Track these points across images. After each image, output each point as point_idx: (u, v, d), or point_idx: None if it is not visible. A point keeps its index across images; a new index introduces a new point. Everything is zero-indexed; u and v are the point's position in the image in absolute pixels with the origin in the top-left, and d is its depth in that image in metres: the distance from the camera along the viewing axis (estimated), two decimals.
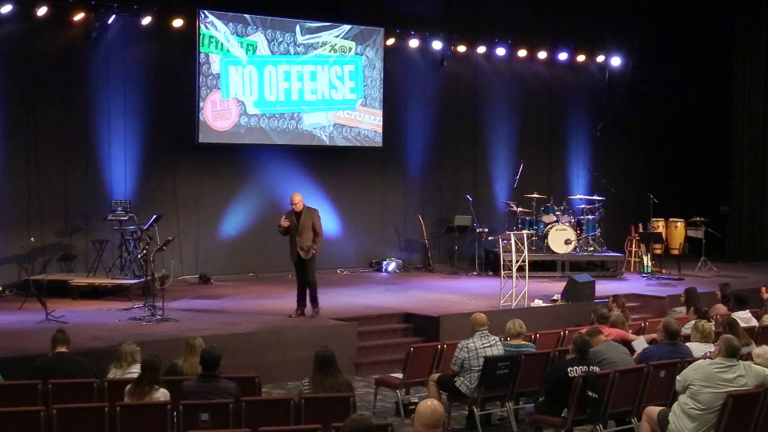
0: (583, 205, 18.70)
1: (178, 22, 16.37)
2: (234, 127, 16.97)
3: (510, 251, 14.33)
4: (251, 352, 11.66)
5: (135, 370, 8.31)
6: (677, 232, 19.25)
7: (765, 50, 20.97)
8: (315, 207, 13.56)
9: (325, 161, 18.42)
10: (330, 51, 17.87)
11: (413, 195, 19.49)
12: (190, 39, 16.40)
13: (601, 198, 18.79)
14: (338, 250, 18.50)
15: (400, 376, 10.47)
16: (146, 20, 16.10)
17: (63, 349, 8.67)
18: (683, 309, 12.22)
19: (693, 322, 10.11)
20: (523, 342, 10.00)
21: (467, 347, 9.43)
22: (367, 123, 18.37)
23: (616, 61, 21.32)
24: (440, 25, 19.35)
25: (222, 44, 16.67)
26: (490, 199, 20.11)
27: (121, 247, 15.27)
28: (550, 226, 17.96)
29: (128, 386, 7.78)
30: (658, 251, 18.69)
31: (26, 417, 7.29)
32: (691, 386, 7.72)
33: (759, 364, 7.99)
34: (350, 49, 18.08)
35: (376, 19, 18.46)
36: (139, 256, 14.41)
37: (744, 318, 11.25)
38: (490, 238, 18.31)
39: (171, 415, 7.45)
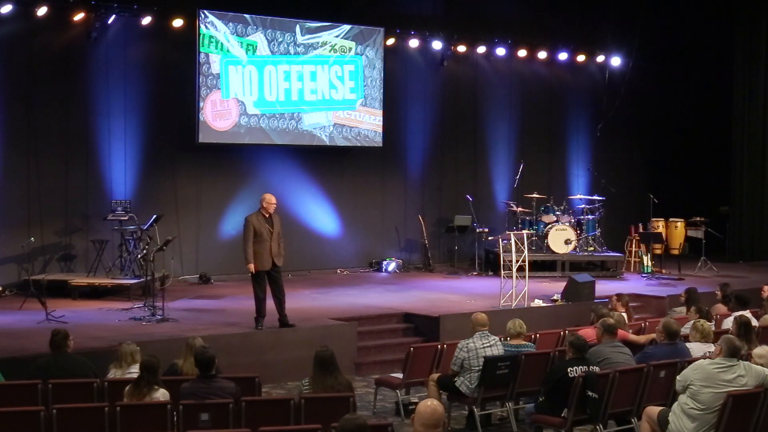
0: (583, 205, 18.70)
1: (178, 22, 16.37)
2: (234, 127, 16.97)
3: (510, 251, 14.32)
4: (251, 352, 11.67)
5: (135, 371, 8.31)
6: (677, 232, 19.24)
7: (765, 50, 20.95)
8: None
9: (325, 161, 18.42)
10: (330, 51, 17.87)
11: (413, 195, 19.49)
12: (190, 39, 16.40)
13: (601, 198, 18.79)
14: (338, 250, 18.52)
15: (400, 376, 10.46)
16: (146, 20, 16.11)
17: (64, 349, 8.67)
18: (683, 309, 12.21)
19: (693, 321, 10.10)
20: (523, 342, 9.99)
21: (467, 347, 9.43)
22: (367, 123, 18.37)
23: (616, 61, 21.31)
24: (440, 25, 19.35)
25: (222, 44, 16.67)
26: (490, 199, 20.11)
27: (121, 247, 15.27)
28: (550, 226, 17.96)
29: (127, 387, 7.77)
30: (658, 251, 18.68)
31: (26, 417, 7.29)
32: (691, 386, 7.71)
33: (759, 365, 7.99)
34: (350, 49, 18.08)
35: (376, 19, 18.46)
36: (139, 256, 14.41)
37: None
38: (490, 238, 18.32)
39: (171, 415, 7.46)
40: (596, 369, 8.66)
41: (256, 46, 17.08)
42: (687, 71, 21.75)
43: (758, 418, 7.87)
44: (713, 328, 10.16)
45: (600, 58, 21.37)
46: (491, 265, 18.04)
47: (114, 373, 8.63)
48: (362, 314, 13.60)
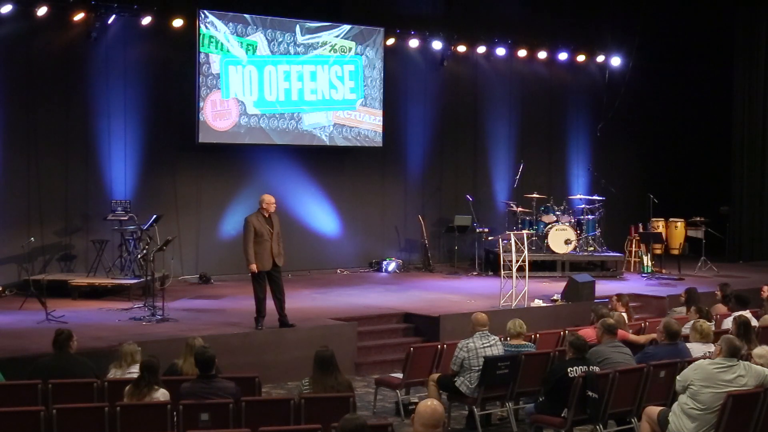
0: (583, 205, 18.69)
1: (178, 22, 16.37)
2: (234, 127, 16.97)
3: (510, 251, 14.32)
4: (251, 352, 11.67)
5: (135, 371, 8.31)
6: (677, 232, 19.25)
7: (765, 50, 20.96)
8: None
9: (325, 161, 18.42)
10: (330, 51, 17.87)
11: (413, 195, 19.49)
12: (190, 39, 16.40)
13: (601, 198, 18.78)
14: (338, 250, 18.51)
15: (400, 376, 10.47)
16: (146, 20, 16.10)
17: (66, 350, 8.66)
18: (683, 309, 12.22)
19: (693, 322, 10.11)
20: (523, 342, 10.00)
21: (467, 347, 9.44)
22: (367, 123, 18.37)
23: (616, 61, 21.31)
24: (440, 25, 19.35)
25: (222, 44, 16.67)
26: (490, 199, 20.10)
27: (121, 247, 15.26)
28: (550, 226, 17.96)
29: (127, 387, 7.77)
30: (658, 251, 18.69)
31: (26, 417, 7.30)
32: (691, 386, 7.71)
33: (759, 365, 7.99)
34: (350, 49, 18.08)
35: (376, 19, 18.46)
36: (139, 256, 14.41)
37: None
38: (490, 238, 18.32)
39: (171, 415, 7.46)
40: (596, 369, 8.66)
41: (256, 46, 17.08)
42: (687, 71, 21.74)
43: (758, 418, 7.87)
44: (713, 328, 10.15)
45: (600, 58, 21.37)
46: (491, 265, 18.04)
47: (114, 373, 8.64)
48: (362, 314, 13.60)
